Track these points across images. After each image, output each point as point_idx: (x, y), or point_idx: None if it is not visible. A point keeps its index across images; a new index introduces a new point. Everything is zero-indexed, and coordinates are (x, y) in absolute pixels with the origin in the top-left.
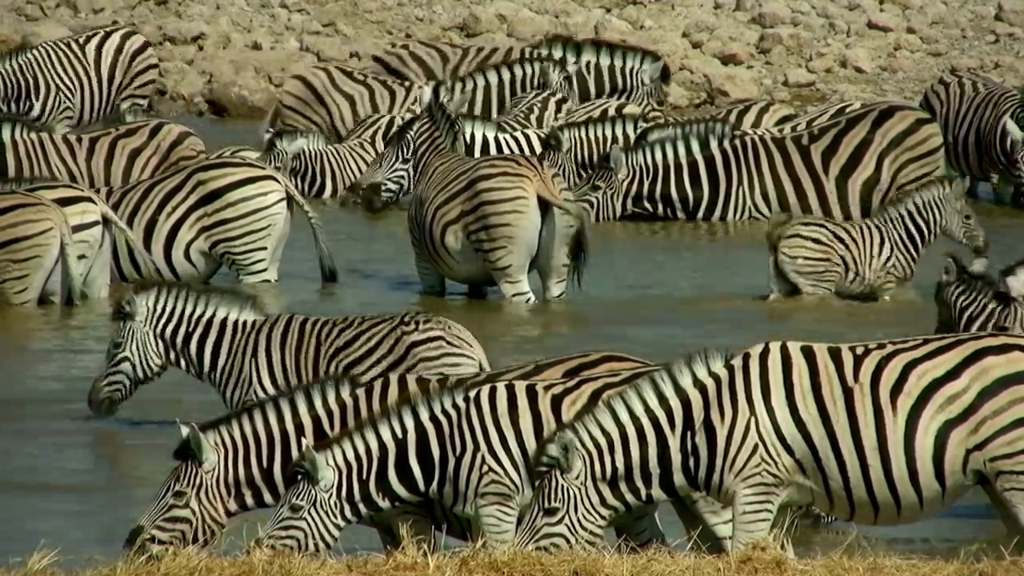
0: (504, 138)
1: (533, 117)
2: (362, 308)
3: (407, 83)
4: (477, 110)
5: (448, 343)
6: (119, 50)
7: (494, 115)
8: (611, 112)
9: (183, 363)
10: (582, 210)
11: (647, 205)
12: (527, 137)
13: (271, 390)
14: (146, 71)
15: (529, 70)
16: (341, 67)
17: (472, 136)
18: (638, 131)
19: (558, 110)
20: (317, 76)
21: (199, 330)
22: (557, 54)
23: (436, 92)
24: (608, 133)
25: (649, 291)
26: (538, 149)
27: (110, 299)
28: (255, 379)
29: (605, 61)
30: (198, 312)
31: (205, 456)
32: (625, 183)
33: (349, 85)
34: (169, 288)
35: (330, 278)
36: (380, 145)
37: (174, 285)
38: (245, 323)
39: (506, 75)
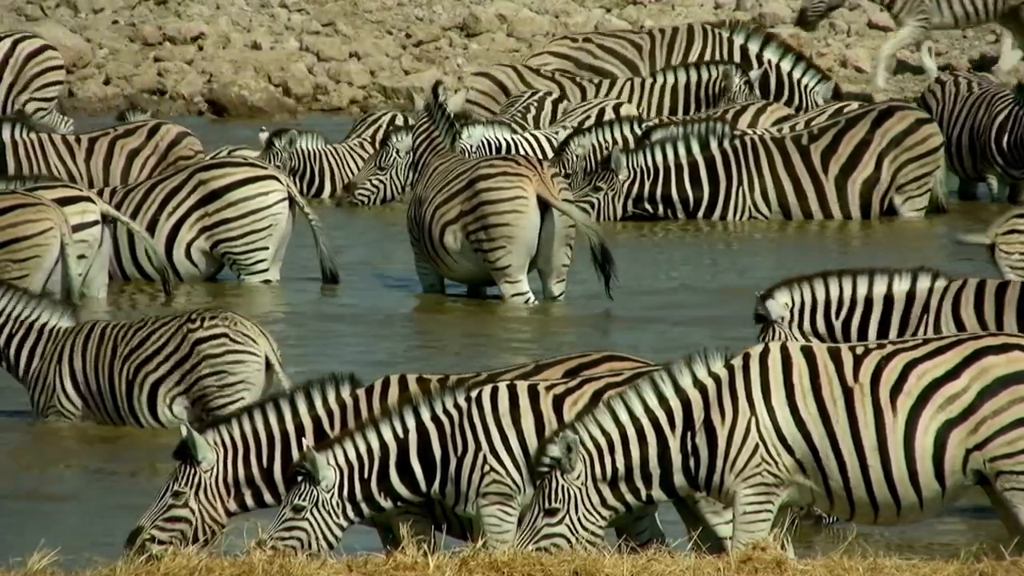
0: (517, 140)
1: (530, 117)
2: (363, 309)
3: (597, 80)
4: (664, 110)
5: (231, 339)
6: (10, 52)
7: (679, 115)
8: (608, 114)
9: (5, 364)
10: (588, 216)
11: (648, 206)
12: (536, 139)
13: (74, 396)
14: (45, 73)
15: (714, 73)
16: (527, 65)
17: (484, 138)
18: (637, 132)
19: (555, 110)
20: (505, 73)
21: (20, 332)
22: (739, 40)
23: (435, 91)
24: (610, 137)
25: (650, 291)
26: (549, 152)
27: (108, 299)
28: (58, 385)
29: (786, 66)
30: (23, 315)
31: (203, 456)
32: (626, 184)
33: (538, 83)
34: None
35: (331, 279)
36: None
37: (5, 286)
38: (59, 330)
39: (692, 75)
